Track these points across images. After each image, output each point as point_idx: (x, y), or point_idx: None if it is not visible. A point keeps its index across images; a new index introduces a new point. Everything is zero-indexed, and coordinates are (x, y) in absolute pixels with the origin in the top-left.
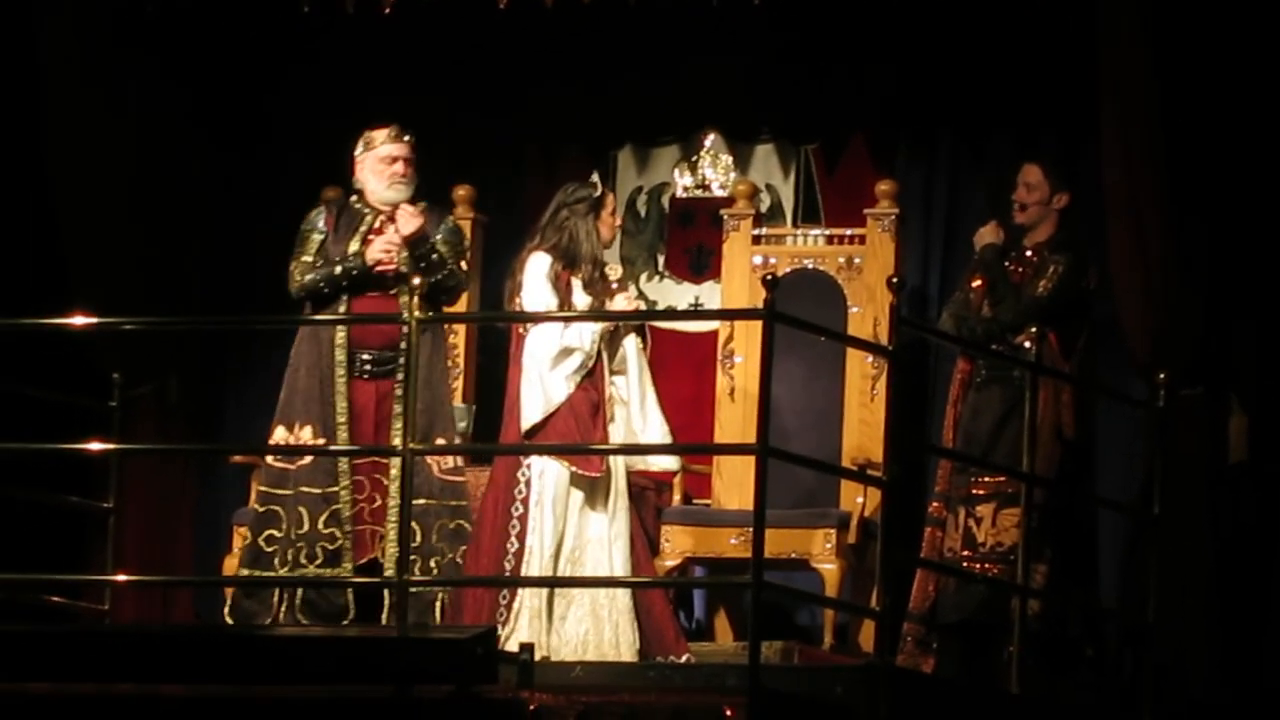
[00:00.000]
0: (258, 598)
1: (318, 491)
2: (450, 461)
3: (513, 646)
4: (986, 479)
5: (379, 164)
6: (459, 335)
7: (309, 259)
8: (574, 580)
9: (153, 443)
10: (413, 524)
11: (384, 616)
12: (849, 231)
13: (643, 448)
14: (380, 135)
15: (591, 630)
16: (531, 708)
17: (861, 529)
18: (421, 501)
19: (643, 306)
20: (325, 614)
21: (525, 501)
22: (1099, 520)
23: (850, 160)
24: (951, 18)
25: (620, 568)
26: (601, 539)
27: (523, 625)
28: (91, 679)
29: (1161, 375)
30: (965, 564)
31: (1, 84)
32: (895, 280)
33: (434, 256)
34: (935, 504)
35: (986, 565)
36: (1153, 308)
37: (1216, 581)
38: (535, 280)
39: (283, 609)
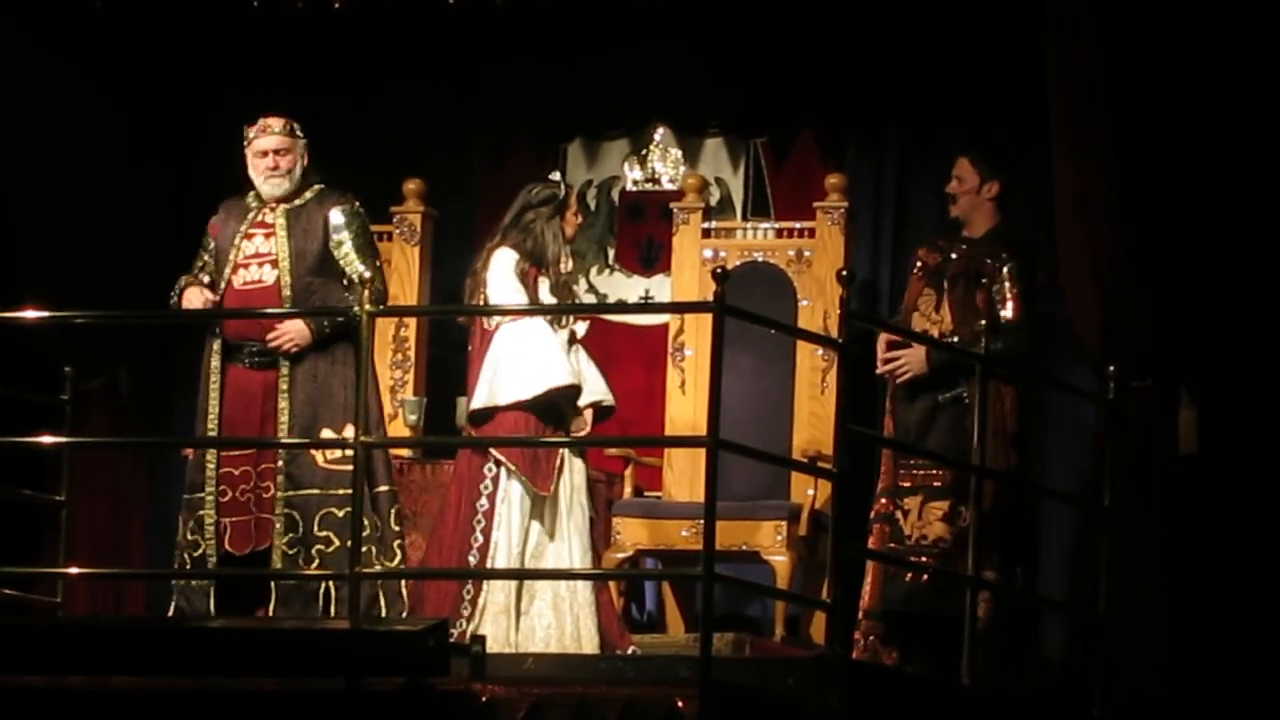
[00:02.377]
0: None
1: (187, 497)
2: (336, 451)
3: None
4: (916, 471)
5: (255, 159)
6: (409, 328)
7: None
8: (524, 574)
9: (104, 436)
10: (294, 513)
11: (271, 609)
12: (798, 225)
13: (593, 441)
14: (254, 129)
15: (554, 624)
16: (483, 700)
17: (812, 521)
18: (305, 492)
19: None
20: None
21: (492, 497)
22: (1048, 514)
23: (799, 154)
24: (900, 10)
25: (579, 561)
26: (561, 533)
27: (487, 620)
28: (44, 672)
29: (1111, 368)
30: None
31: None
32: (845, 273)
33: (326, 331)
34: (882, 500)
35: (913, 558)
36: (1102, 300)
37: (1166, 574)
38: (503, 275)
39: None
